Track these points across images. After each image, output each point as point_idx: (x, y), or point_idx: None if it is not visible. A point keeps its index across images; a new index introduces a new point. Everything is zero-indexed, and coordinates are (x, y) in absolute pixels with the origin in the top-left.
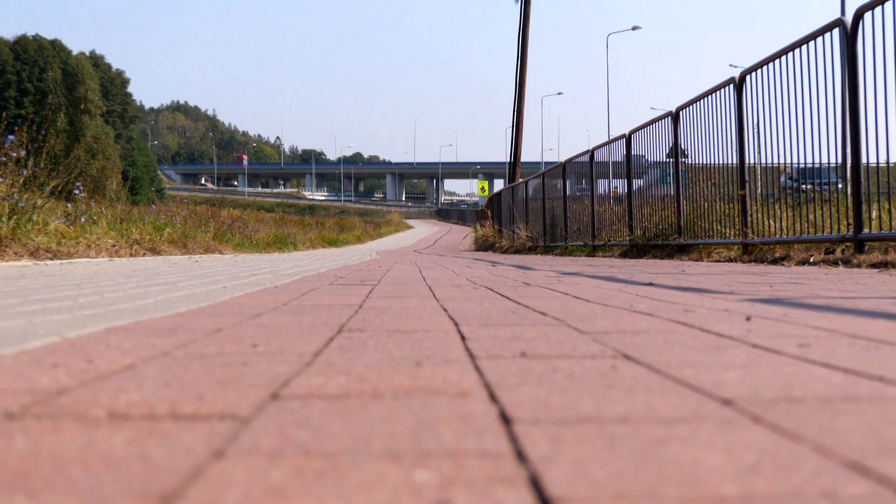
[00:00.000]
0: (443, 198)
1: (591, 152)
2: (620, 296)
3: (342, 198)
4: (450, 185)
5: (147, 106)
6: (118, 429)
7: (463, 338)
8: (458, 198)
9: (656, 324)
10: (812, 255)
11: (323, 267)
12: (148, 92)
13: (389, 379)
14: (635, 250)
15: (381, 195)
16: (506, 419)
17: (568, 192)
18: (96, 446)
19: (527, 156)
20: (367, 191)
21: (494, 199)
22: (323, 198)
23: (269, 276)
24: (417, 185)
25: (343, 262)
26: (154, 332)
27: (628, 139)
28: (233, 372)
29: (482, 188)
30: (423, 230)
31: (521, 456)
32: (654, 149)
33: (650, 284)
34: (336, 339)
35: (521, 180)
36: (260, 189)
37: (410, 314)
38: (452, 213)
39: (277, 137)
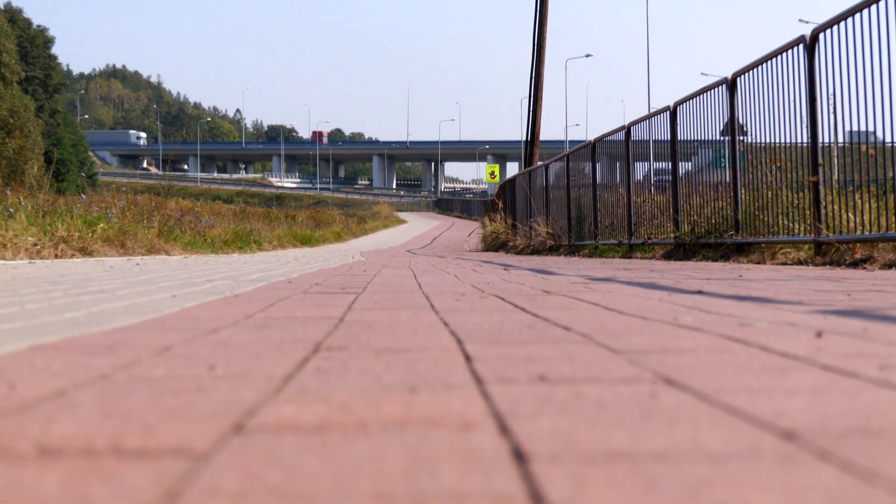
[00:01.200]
0: (443, 185)
1: (628, 129)
2: (662, 307)
3: (318, 185)
4: (452, 169)
5: (76, 71)
6: (50, 466)
7: (468, 358)
8: (461, 185)
9: (706, 341)
10: None
11: (294, 271)
12: (77, 54)
13: (378, 407)
14: (682, 250)
15: (367, 182)
16: (520, 455)
17: (598, 179)
18: (25, 487)
19: (547, 133)
20: (348, 176)
21: (507, 187)
22: (294, 185)
23: (227, 282)
24: (411, 170)
25: (319, 264)
26: (89, 351)
27: (673, 112)
28: (186, 399)
29: (491, 173)
30: (418, 225)
31: (537, 499)
32: (705, 124)
33: (699, 293)
34: (312, 360)
35: (539, 163)
36: (216, 174)
37: (403, 329)
38: (455, 203)
39: (238, 111)
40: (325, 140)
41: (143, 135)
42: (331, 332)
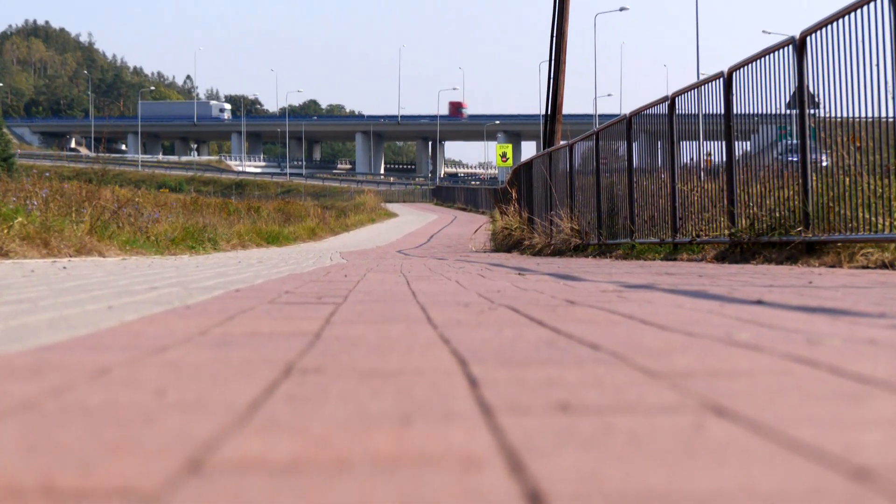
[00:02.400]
0: (443, 170)
1: (672, 100)
2: (713, 320)
3: (287, 170)
4: (454, 150)
5: None
6: None
7: (473, 382)
8: (466, 170)
9: (765, 362)
10: None
11: (259, 276)
12: None
13: (364, 442)
14: (738, 250)
15: (348, 166)
16: (536, 499)
17: (635, 162)
18: None
19: (572, 105)
20: (326, 159)
21: (522, 172)
22: (258, 170)
23: (177, 290)
24: (404, 151)
25: (289, 268)
26: (9, 374)
27: (728, 80)
28: (131, 431)
29: (503, 155)
30: (412, 219)
31: None
32: (767, 95)
33: (759, 303)
34: (283, 385)
35: (562, 143)
36: (161, 157)
37: (394, 348)
38: (457, 193)
39: (188, 77)
40: (464, 114)
41: (228, 107)
42: (305, 352)
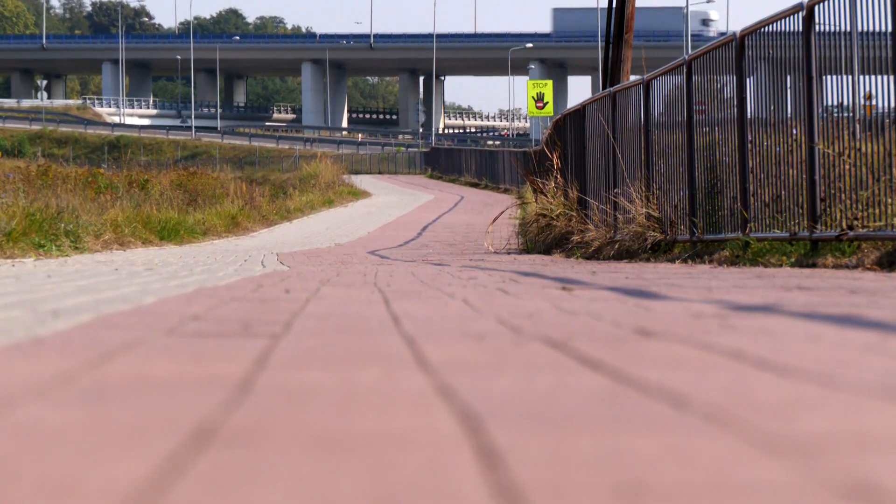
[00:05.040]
0: (443, 122)
1: (808, 9)
2: (867, 361)
3: (192, 122)
4: (459, 90)
5: None
6: None
7: (489, 456)
8: (477, 123)
9: None
10: None
11: (149, 291)
12: None
13: None
14: None
15: (291, 115)
16: None
17: (750, 111)
18: None
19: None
20: (255, 105)
21: (569, 126)
22: (146, 122)
23: (20, 313)
24: (380, 93)
25: (197, 278)
26: None
27: None
28: None
29: (538, 97)
30: (392, 201)
31: None
32: None
33: None
34: (194, 460)
35: (634, 79)
36: None
37: (365, 403)
38: (466, 158)
39: None
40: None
41: (716, 17)
42: (228, 410)
